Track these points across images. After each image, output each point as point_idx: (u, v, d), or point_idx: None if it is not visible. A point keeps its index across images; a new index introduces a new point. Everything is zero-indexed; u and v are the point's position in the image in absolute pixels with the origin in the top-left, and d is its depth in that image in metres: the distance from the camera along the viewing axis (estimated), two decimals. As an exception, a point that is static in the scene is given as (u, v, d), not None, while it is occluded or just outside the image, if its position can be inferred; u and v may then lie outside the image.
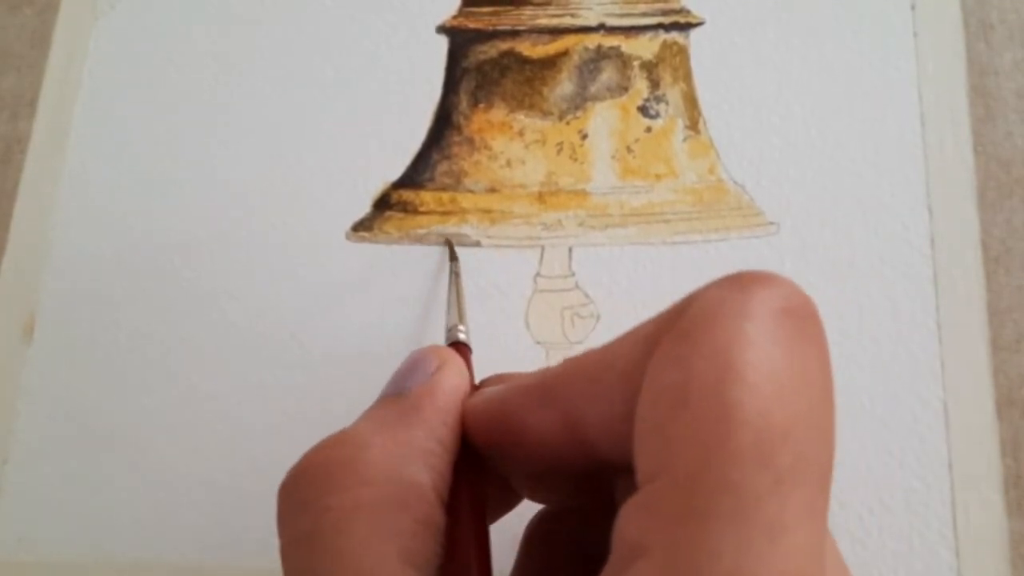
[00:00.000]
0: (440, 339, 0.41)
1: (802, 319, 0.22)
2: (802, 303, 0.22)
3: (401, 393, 0.28)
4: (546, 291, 0.42)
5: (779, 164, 0.43)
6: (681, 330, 0.22)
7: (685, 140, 0.44)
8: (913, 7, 0.45)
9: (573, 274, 0.42)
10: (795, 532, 0.19)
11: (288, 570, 0.25)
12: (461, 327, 0.36)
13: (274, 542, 0.39)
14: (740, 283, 0.22)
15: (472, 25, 0.46)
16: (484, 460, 0.28)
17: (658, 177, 0.44)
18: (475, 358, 0.41)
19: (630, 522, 0.21)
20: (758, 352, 0.21)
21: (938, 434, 0.39)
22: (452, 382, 0.28)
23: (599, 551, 0.29)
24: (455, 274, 0.36)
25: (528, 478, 0.29)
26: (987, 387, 0.39)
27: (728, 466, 0.19)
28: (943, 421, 0.39)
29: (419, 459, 0.26)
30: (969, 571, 0.37)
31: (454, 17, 0.47)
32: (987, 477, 0.38)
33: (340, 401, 0.41)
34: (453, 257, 0.40)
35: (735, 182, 0.43)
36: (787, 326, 0.21)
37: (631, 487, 0.23)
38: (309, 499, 0.25)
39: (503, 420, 0.27)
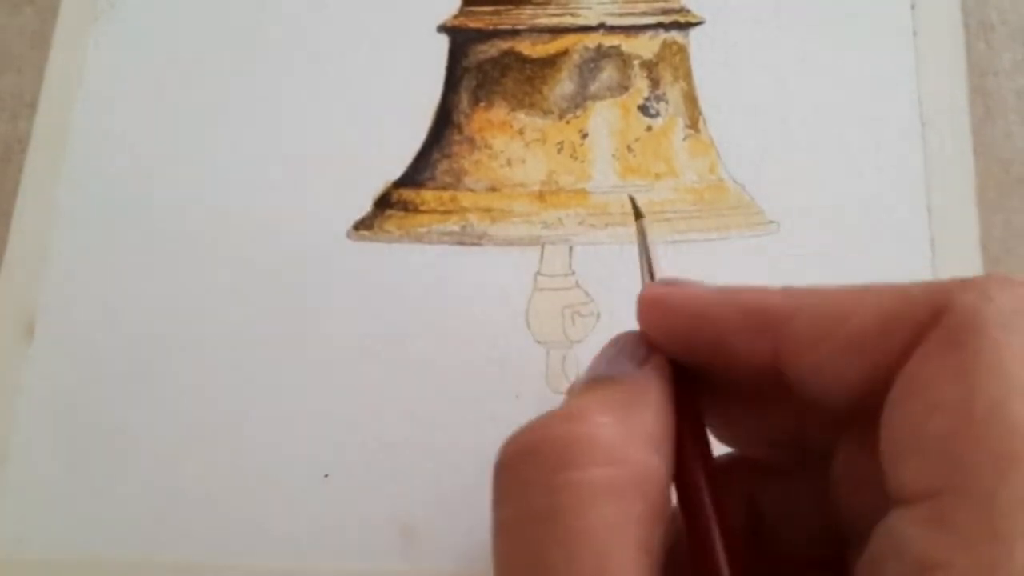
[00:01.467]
0: (441, 335, 0.43)
1: None
2: None
3: (616, 377, 0.27)
4: (546, 290, 0.43)
5: (779, 163, 0.44)
6: (949, 339, 0.22)
7: (685, 139, 0.45)
8: (913, 6, 0.46)
9: (573, 273, 0.43)
10: None
11: (508, 551, 0.24)
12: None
13: (274, 541, 0.40)
14: (991, 289, 0.23)
15: (473, 24, 0.47)
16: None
17: (658, 176, 0.45)
18: (472, 360, 0.42)
19: (916, 536, 0.21)
20: None
21: None
22: (667, 369, 0.28)
23: (772, 509, 0.29)
24: (642, 234, 0.33)
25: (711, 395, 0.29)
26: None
27: None
28: None
29: (652, 444, 0.25)
30: None
31: (455, 16, 0.48)
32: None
33: (340, 402, 0.42)
34: (639, 215, 0.36)
35: (735, 181, 0.44)
36: None
37: (832, 429, 0.25)
38: (544, 475, 0.24)
39: (706, 327, 0.27)
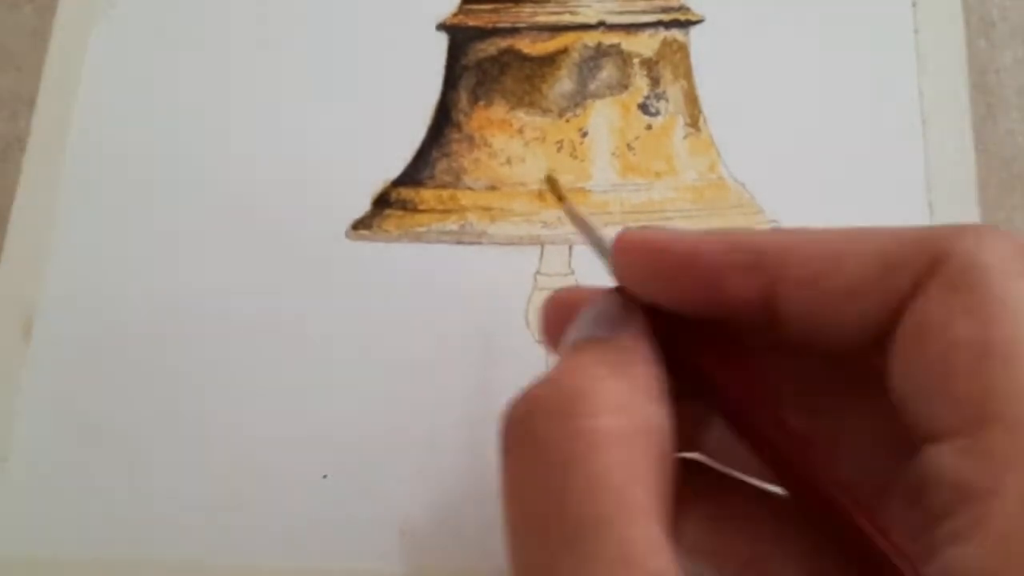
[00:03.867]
0: (441, 336, 0.44)
1: None
2: None
3: (604, 337, 0.28)
4: (546, 289, 0.43)
5: (779, 162, 0.45)
6: (956, 281, 0.24)
7: (685, 138, 0.46)
8: (914, 4, 0.47)
9: (573, 272, 0.44)
10: None
11: (525, 504, 0.25)
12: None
13: (273, 541, 0.41)
14: (988, 238, 0.24)
15: (472, 22, 0.48)
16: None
17: (658, 175, 0.46)
18: (472, 359, 0.42)
19: (962, 467, 0.22)
20: None
21: None
22: (646, 325, 0.28)
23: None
24: (573, 215, 0.33)
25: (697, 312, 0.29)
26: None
27: None
28: None
29: (655, 397, 0.26)
30: None
31: (454, 14, 0.49)
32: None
33: (339, 402, 0.43)
34: (561, 197, 0.35)
35: (735, 180, 0.45)
36: None
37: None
38: (556, 425, 0.24)
39: (691, 265, 0.27)
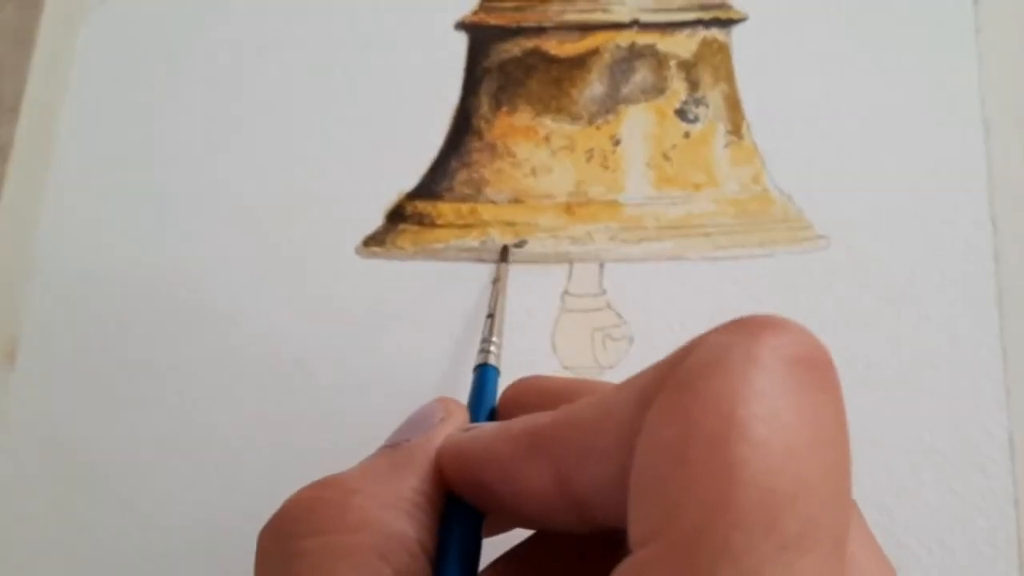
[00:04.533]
0: (459, 364, 0.42)
1: (816, 368, 0.22)
2: (816, 350, 0.22)
3: (398, 444, 0.30)
4: (575, 311, 0.43)
5: (830, 173, 0.44)
6: (680, 379, 0.22)
7: (727, 146, 0.45)
8: (976, 1, 0.46)
9: (604, 292, 0.43)
10: None
11: None
12: (494, 342, 0.37)
13: None
14: (747, 328, 0.22)
15: (494, 21, 0.48)
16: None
17: (697, 186, 0.44)
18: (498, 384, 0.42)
19: None
20: (766, 404, 0.21)
21: (1003, 467, 0.39)
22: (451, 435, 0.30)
23: None
24: (498, 280, 0.37)
25: (520, 524, 0.31)
26: (1057, 416, 0.40)
27: (730, 531, 0.19)
28: (1008, 454, 0.39)
29: (405, 510, 0.27)
30: (1039, 616, 0.38)
31: (474, 12, 0.48)
32: (1058, 514, 0.39)
33: (349, 431, 0.42)
34: (504, 259, 0.40)
35: (781, 192, 0.44)
36: (798, 375, 0.22)
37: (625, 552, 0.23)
38: (286, 543, 0.26)
39: (490, 468, 0.27)
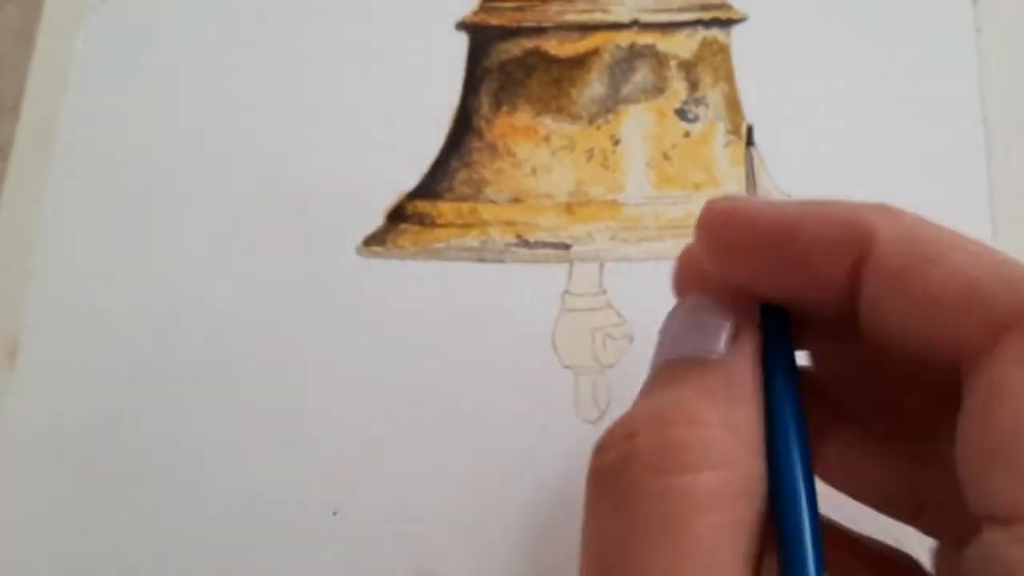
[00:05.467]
0: (459, 363, 0.43)
1: None
2: None
3: (708, 356, 0.27)
4: (575, 310, 0.43)
5: (829, 172, 0.44)
6: None
7: (727, 146, 0.45)
8: (975, 1, 0.46)
9: (604, 292, 0.43)
10: None
11: (603, 563, 0.24)
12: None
13: None
14: None
15: (494, 21, 0.48)
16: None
17: (697, 186, 0.45)
18: (494, 386, 0.42)
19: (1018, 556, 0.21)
20: None
21: None
22: (758, 347, 0.27)
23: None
24: (751, 163, 0.33)
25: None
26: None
27: None
28: None
29: (755, 446, 0.25)
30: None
31: (475, 13, 0.48)
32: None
33: (350, 431, 0.42)
34: (750, 142, 0.35)
35: (781, 191, 0.44)
36: None
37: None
38: (646, 482, 0.24)
39: (788, 245, 0.26)
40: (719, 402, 0.25)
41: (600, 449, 0.25)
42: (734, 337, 0.27)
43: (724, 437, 0.24)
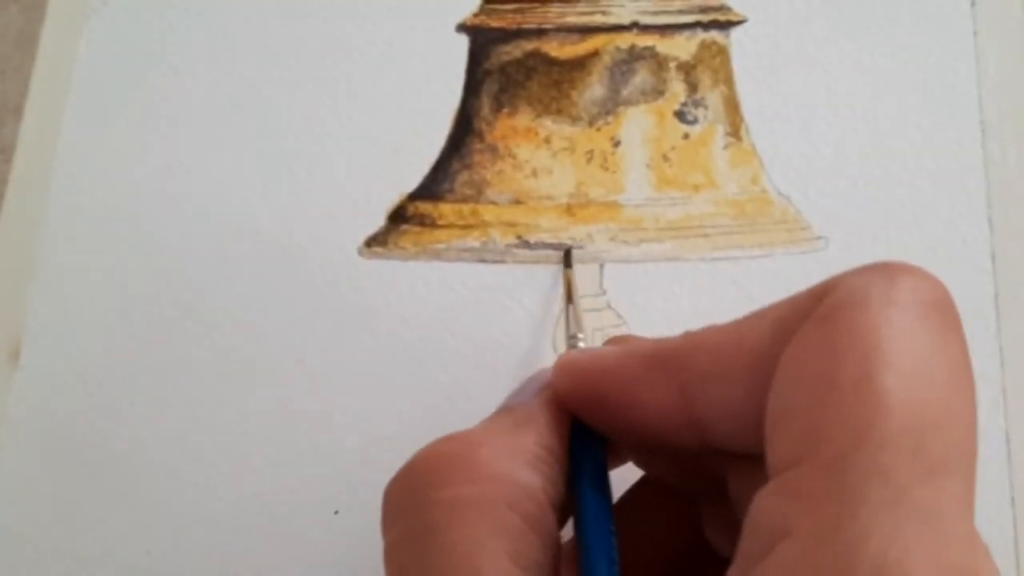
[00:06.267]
0: (460, 363, 0.43)
1: (947, 312, 0.24)
2: (946, 296, 0.25)
3: (512, 406, 0.31)
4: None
5: (828, 174, 0.44)
6: (824, 315, 0.24)
7: (726, 148, 0.45)
8: (973, 4, 0.46)
9: (604, 292, 0.43)
10: (950, 521, 0.21)
11: (393, 571, 0.27)
12: (581, 336, 0.38)
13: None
14: (886, 271, 0.24)
15: (495, 23, 0.48)
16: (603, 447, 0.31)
17: (696, 188, 0.45)
18: (495, 386, 0.42)
19: (768, 507, 0.23)
20: (908, 341, 0.23)
21: (1000, 467, 0.40)
22: (558, 401, 0.31)
23: (694, 537, 0.32)
24: (569, 282, 0.39)
25: (631, 446, 0.32)
26: (1054, 415, 0.40)
27: (879, 452, 0.21)
28: (1005, 453, 0.40)
29: (529, 463, 0.28)
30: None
31: (475, 15, 0.48)
32: (1054, 513, 0.39)
33: (350, 431, 0.42)
34: (568, 264, 0.42)
35: (780, 193, 0.44)
36: (934, 317, 0.24)
37: (745, 476, 0.26)
38: (418, 495, 0.27)
39: (612, 384, 0.29)
40: (499, 431, 0.29)
41: (394, 475, 0.28)
42: (539, 392, 0.31)
43: (486, 454, 0.27)
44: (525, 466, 0.28)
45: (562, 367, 0.31)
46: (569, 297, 0.41)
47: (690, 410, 0.27)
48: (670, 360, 0.28)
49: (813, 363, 0.23)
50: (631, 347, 0.30)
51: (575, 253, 0.44)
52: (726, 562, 0.27)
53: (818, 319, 0.24)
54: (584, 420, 0.30)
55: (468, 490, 0.26)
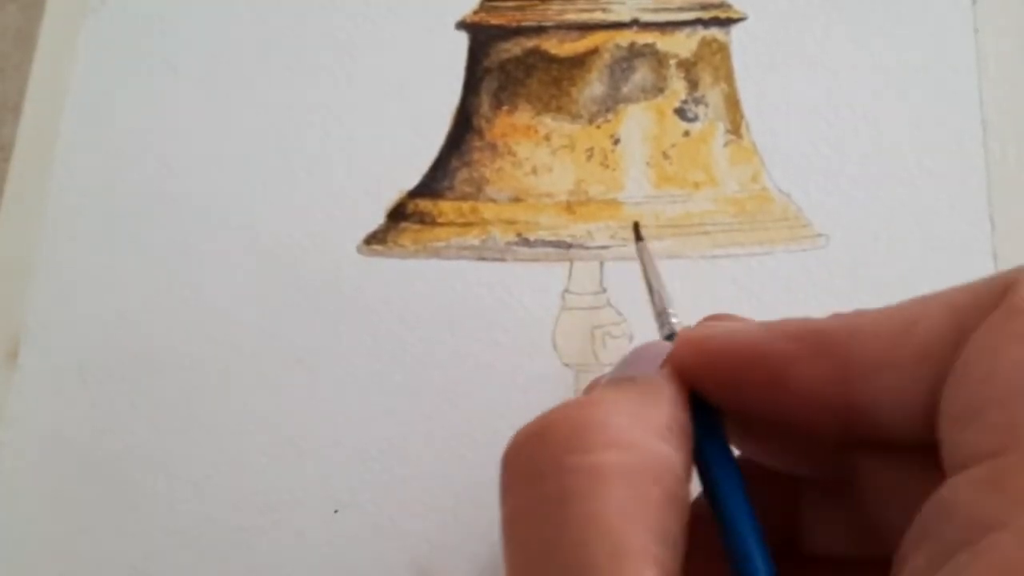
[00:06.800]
0: (460, 363, 0.43)
1: None
2: None
3: (634, 377, 0.29)
4: (575, 309, 0.43)
5: (828, 172, 0.45)
6: (1015, 306, 0.23)
7: (726, 145, 0.45)
8: (974, 1, 0.46)
9: (604, 290, 0.44)
10: None
11: (519, 539, 0.25)
12: (672, 312, 0.36)
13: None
14: None
15: (494, 21, 0.48)
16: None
17: (697, 185, 0.45)
18: (494, 384, 0.42)
19: (969, 497, 0.22)
20: None
21: None
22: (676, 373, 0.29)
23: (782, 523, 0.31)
24: (648, 256, 0.37)
25: (753, 427, 0.30)
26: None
27: None
28: None
29: (663, 436, 0.26)
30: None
31: (475, 12, 0.48)
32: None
33: (350, 431, 0.42)
34: (639, 237, 0.41)
35: (780, 191, 0.45)
36: None
37: (890, 466, 0.26)
38: (552, 460, 0.25)
39: (759, 363, 0.27)
40: (629, 401, 0.27)
41: (514, 439, 0.26)
42: (660, 365, 0.29)
43: (626, 422, 0.26)
44: (660, 439, 0.26)
45: (690, 341, 0.29)
46: (648, 272, 0.38)
47: (848, 396, 0.26)
48: (830, 339, 0.26)
49: (1009, 353, 0.23)
50: (775, 326, 0.28)
51: (576, 251, 0.44)
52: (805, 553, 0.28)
53: (1007, 311, 0.24)
54: (707, 396, 0.29)
55: (613, 456, 0.25)
